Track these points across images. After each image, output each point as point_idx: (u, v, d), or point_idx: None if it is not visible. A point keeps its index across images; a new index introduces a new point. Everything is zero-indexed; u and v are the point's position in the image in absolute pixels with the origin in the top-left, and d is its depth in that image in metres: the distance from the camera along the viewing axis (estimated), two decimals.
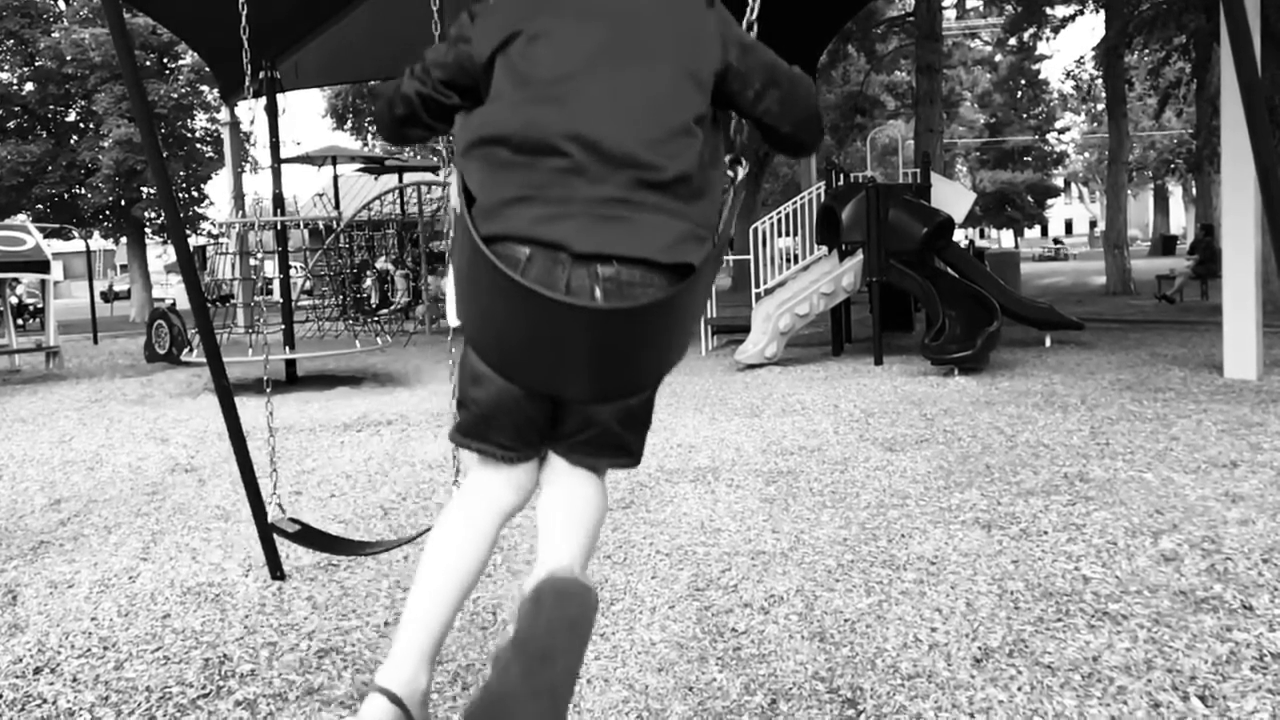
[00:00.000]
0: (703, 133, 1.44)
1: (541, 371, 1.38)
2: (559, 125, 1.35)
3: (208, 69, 19.72)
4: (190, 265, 3.96)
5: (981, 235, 58.76)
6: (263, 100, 10.22)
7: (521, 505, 1.65)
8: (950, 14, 28.59)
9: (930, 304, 10.32)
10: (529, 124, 1.34)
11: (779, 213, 12.31)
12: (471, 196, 1.40)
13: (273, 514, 3.89)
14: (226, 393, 4.01)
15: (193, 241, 25.81)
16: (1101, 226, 37.67)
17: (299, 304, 15.20)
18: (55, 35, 23.82)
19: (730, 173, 1.54)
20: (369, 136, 38.92)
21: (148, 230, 26.48)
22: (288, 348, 10.42)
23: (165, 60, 25.06)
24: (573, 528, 1.55)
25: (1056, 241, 53.01)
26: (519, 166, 1.36)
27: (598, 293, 1.31)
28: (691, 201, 1.39)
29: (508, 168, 1.36)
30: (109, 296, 36.05)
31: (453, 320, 1.50)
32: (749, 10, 1.86)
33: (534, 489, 1.61)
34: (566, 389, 1.41)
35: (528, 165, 1.35)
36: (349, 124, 38.16)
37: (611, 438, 1.51)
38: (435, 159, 28.53)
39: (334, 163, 19.99)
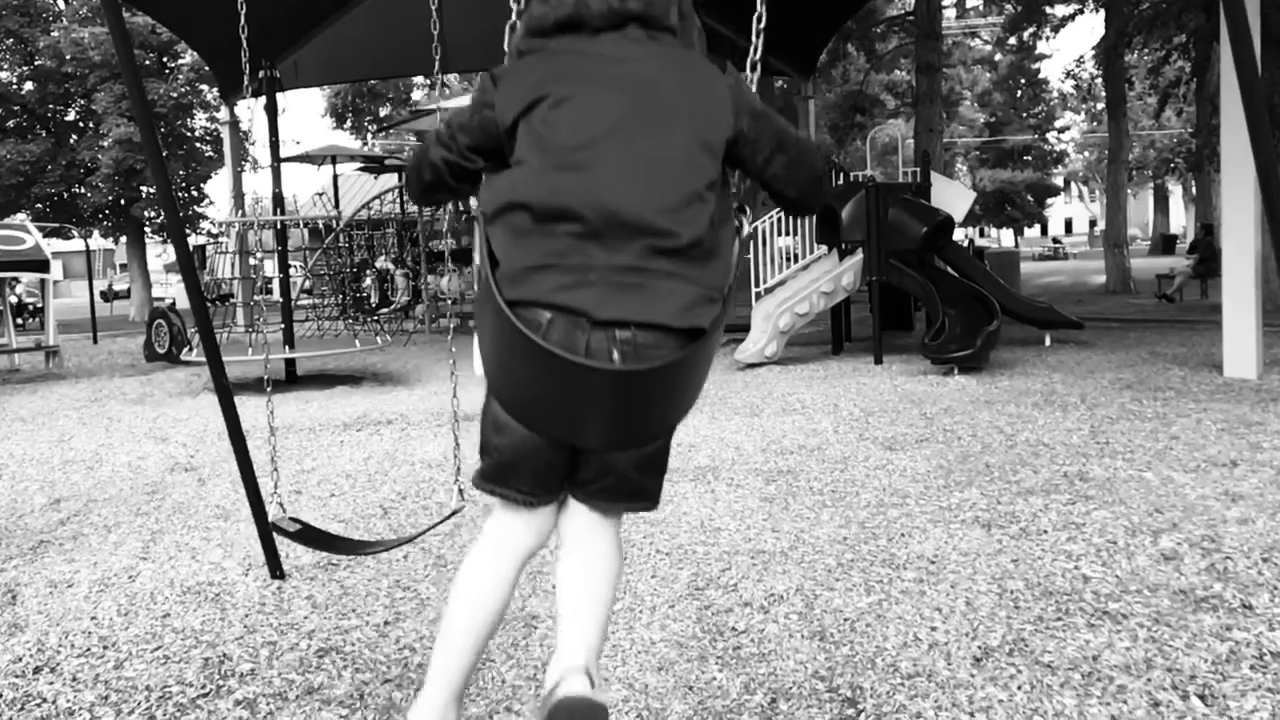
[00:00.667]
0: (714, 196, 1.51)
1: (562, 423, 1.46)
2: (579, 193, 1.41)
3: (207, 68, 19.72)
4: (190, 264, 3.96)
5: (981, 234, 58.76)
6: (262, 99, 10.21)
7: (540, 547, 1.71)
8: (950, 13, 28.58)
9: (930, 303, 10.32)
10: (551, 191, 1.41)
11: (779, 212, 12.30)
12: (495, 259, 1.47)
13: (274, 513, 3.89)
14: (226, 392, 4.01)
15: (192, 241, 25.81)
16: (1101, 226, 37.69)
17: (298, 303, 15.21)
18: (55, 34, 23.79)
19: (737, 223, 1.62)
20: (368, 135, 38.94)
21: (147, 229, 26.47)
22: (287, 347, 10.42)
23: (165, 59, 25.04)
24: (591, 610, 1.60)
25: (1055, 241, 53.00)
26: (540, 234, 1.42)
27: (615, 355, 1.39)
28: (703, 264, 1.47)
29: (529, 235, 1.42)
30: (108, 296, 36.01)
31: (478, 371, 1.53)
32: (753, 50, 1.90)
33: (552, 530, 1.68)
34: (586, 439, 1.48)
35: (548, 232, 1.42)
36: (348, 123, 38.20)
37: (629, 484, 1.57)
38: None
39: (334, 162, 19.98)
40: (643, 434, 1.52)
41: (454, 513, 3.86)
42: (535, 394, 1.43)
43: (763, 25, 1.95)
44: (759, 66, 1.93)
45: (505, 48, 1.67)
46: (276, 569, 4.13)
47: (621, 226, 1.41)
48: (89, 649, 3.47)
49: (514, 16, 1.75)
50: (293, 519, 3.92)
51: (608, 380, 1.37)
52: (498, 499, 1.60)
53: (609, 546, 1.62)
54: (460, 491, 3.83)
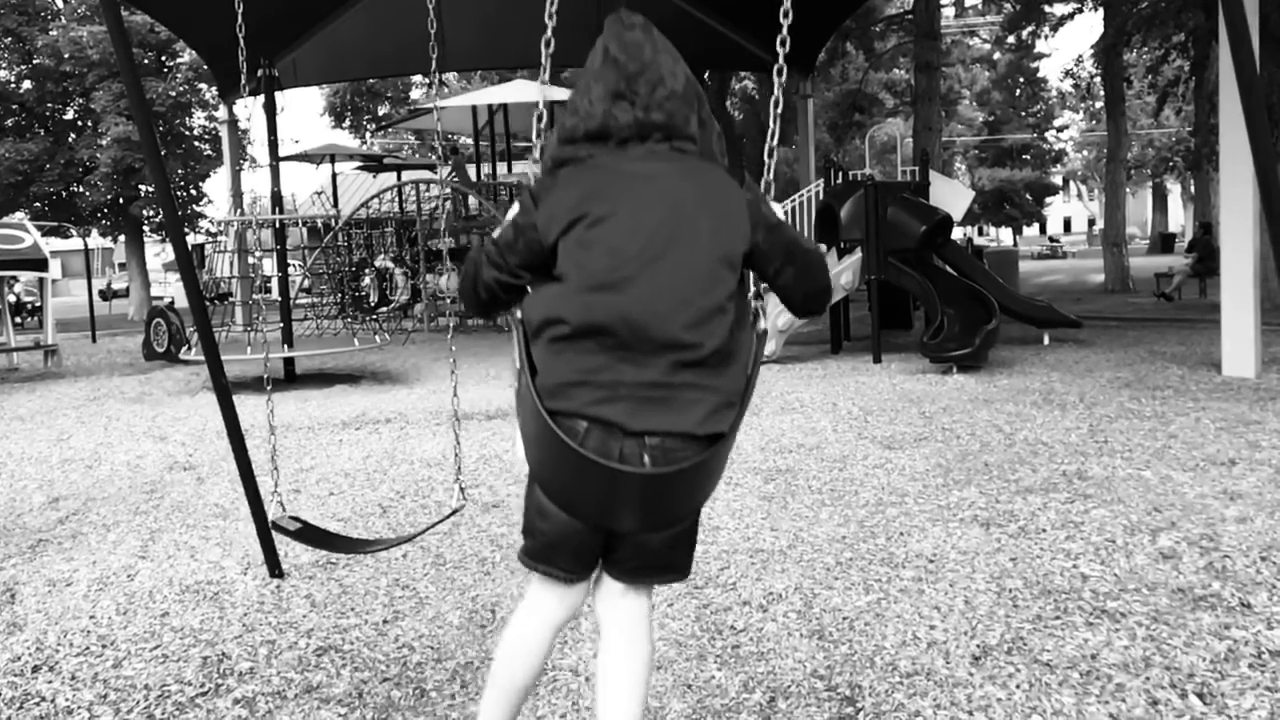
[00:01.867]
0: (733, 305, 1.66)
1: (599, 512, 1.64)
2: (612, 312, 1.56)
3: (206, 67, 19.71)
4: (188, 263, 3.96)
5: (980, 233, 58.77)
6: (261, 98, 10.20)
7: (573, 618, 1.88)
8: (949, 12, 28.58)
9: (929, 302, 10.32)
10: (587, 309, 1.56)
11: (777, 211, 12.30)
12: (534, 364, 1.63)
13: (274, 512, 3.89)
14: (225, 391, 4.01)
15: (191, 240, 25.80)
16: (1100, 224, 37.71)
17: (297, 302, 15.19)
18: (53, 33, 23.78)
19: (753, 316, 1.76)
20: (367, 134, 38.93)
21: (146, 228, 26.45)
22: (286, 346, 10.41)
23: (163, 58, 25.02)
24: (630, 699, 1.76)
25: (1052, 240, 53.00)
26: (575, 350, 1.58)
27: (646, 459, 1.56)
28: (723, 370, 1.62)
29: (565, 350, 1.58)
30: (107, 295, 35.99)
31: (519, 460, 1.73)
32: (770, 136, 2.01)
33: (585, 601, 1.84)
34: (621, 524, 1.65)
35: (583, 348, 1.58)
36: (347, 122, 38.18)
37: (661, 560, 1.72)
38: (434, 156, 28.51)
39: (332, 161, 19.98)
40: (672, 519, 1.68)
41: (454, 511, 3.86)
42: (575, 488, 1.60)
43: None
44: (784, 72, 2.06)
45: (536, 147, 1.80)
46: (275, 568, 4.13)
47: (650, 342, 1.56)
48: (88, 648, 3.47)
49: (542, 124, 1.93)
50: (293, 518, 3.92)
51: (640, 481, 1.55)
52: (539, 575, 1.75)
53: (643, 625, 1.77)
54: (461, 490, 3.83)
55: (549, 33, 2.01)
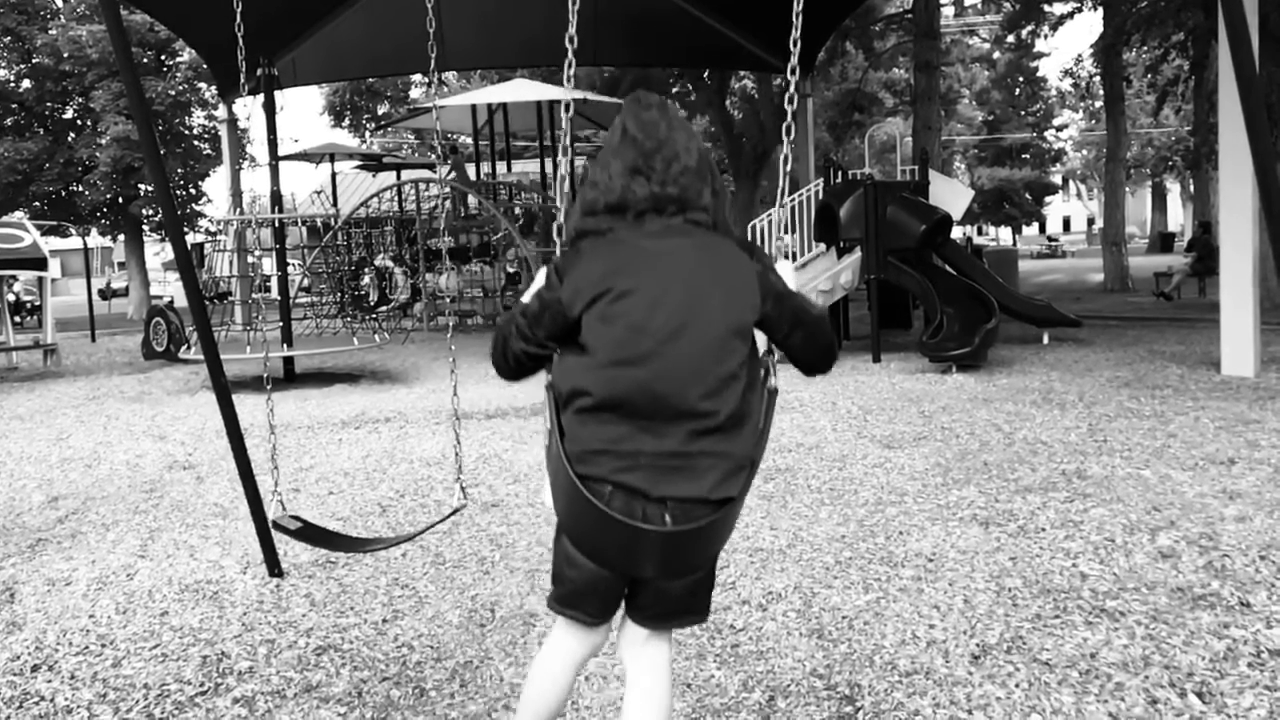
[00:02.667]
0: (744, 370, 1.78)
1: (623, 562, 1.77)
2: (634, 384, 1.70)
3: (205, 66, 19.70)
4: (188, 263, 3.96)
5: (979, 232, 58.74)
6: (260, 97, 10.19)
7: (594, 655, 2.01)
8: (948, 11, 28.56)
9: (928, 301, 10.32)
10: (610, 382, 1.70)
11: (770, 215, 12.30)
12: (563, 429, 1.77)
13: (275, 511, 3.88)
14: (224, 390, 4.01)
15: (190, 239, 25.79)
16: (1099, 224, 37.73)
17: (296, 301, 15.18)
18: (52, 32, 23.74)
19: (764, 374, 1.87)
20: (367, 134, 38.90)
21: (145, 227, 26.43)
22: (285, 345, 10.41)
23: (163, 57, 24.99)
24: None
25: (1050, 239, 52.96)
26: (599, 420, 1.71)
27: (667, 518, 1.69)
28: (735, 434, 1.75)
29: (590, 420, 1.72)
30: (107, 294, 35.93)
31: (549, 508, 1.84)
32: (785, 131, 2.16)
33: (605, 642, 1.98)
34: (643, 572, 1.79)
35: (606, 419, 1.71)
36: (347, 121, 38.15)
37: (681, 605, 1.86)
38: (433, 156, 28.50)
39: (332, 160, 19.97)
40: (690, 568, 1.82)
41: (455, 511, 3.85)
42: (601, 541, 1.73)
43: (798, 49, 2.20)
44: (796, 71, 2.21)
45: (561, 216, 1.94)
46: (275, 567, 4.13)
47: (669, 411, 1.70)
48: (87, 647, 3.47)
49: (570, 112, 2.21)
50: (294, 517, 3.92)
51: (661, 537, 1.69)
52: (565, 619, 1.88)
53: (665, 668, 1.92)
54: (462, 489, 3.82)
55: (572, 29, 2.13)
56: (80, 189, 24.85)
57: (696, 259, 1.77)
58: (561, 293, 1.74)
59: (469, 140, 24.63)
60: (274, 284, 11.93)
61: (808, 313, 1.84)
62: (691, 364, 1.71)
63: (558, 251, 1.90)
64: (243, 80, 4.19)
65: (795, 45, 2.21)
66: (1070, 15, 21.51)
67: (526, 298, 1.84)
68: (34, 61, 24.34)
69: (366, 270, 18.05)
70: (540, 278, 1.83)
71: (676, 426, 1.70)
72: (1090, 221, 63.81)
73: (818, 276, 11.21)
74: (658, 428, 1.70)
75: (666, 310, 1.71)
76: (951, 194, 12.53)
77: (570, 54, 2.14)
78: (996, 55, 42.31)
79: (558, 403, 1.78)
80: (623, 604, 1.93)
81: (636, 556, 1.74)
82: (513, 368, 1.85)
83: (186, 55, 24.42)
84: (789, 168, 2.23)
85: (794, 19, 2.20)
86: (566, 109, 2.23)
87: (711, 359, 1.72)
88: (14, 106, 24.84)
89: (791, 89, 2.21)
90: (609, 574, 1.81)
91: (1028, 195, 48.86)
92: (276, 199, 10.54)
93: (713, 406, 1.71)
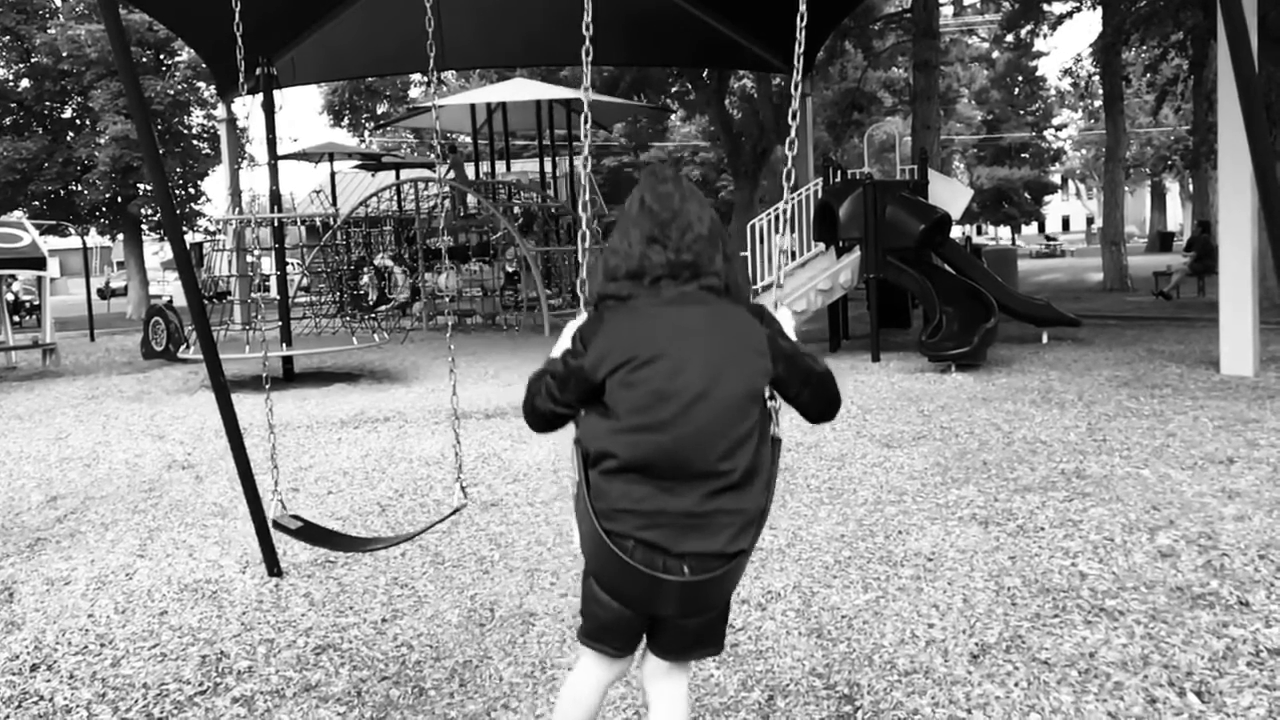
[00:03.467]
0: (757, 428, 1.92)
1: (645, 604, 1.93)
2: (656, 449, 1.84)
3: (204, 65, 19.69)
4: (187, 262, 3.96)
5: (979, 232, 58.75)
6: (259, 96, 10.19)
7: (618, 680, 2.19)
8: (947, 10, 28.56)
9: (927, 301, 10.32)
10: (634, 446, 1.85)
11: (776, 209, 12.28)
12: (589, 483, 1.92)
13: (275, 510, 3.88)
14: (223, 390, 4.01)
15: (189, 238, 25.77)
16: (1099, 223, 37.71)
17: (296, 301, 15.17)
18: (51, 31, 23.71)
19: (772, 421, 2.01)
20: (366, 133, 38.89)
21: (144, 227, 26.41)
22: (284, 344, 10.40)
23: (162, 56, 24.97)
24: None
25: (1049, 238, 52.94)
26: (624, 480, 1.86)
27: (685, 569, 1.84)
28: (748, 488, 1.89)
29: (615, 480, 1.87)
30: (106, 293, 35.90)
31: (576, 548, 1.99)
32: (790, 133, 2.36)
33: (627, 670, 2.14)
34: (663, 612, 1.95)
35: (630, 479, 1.86)
36: (346, 120, 38.13)
37: (698, 639, 2.01)
38: (432, 155, 28.49)
39: (331, 159, 19.97)
40: (706, 609, 1.97)
41: (455, 510, 3.85)
42: (625, 585, 1.89)
43: (802, 50, 2.33)
44: (803, 71, 2.36)
45: (584, 287, 2.09)
46: (274, 566, 4.13)
47: (687, 472, 1.85)
48: (86, 646, 3.47)
49: (589, 125, 2.39)
50: (294, 516, 3.92)
51: (679, 586, 1.85)
52: (592, 650, 2.04)
53: (683, 697, 2.08)
54: (463, 489, 3.82)
55: (587, 43, 2.30)
56: (79, 188, 24.82)
57: (712, 327, 1.91)
58: (586, 360, 1.89)
59: (468, 139, 24.64)
60: (273, 283, 11.92)
61: (814, 371, 1.98)
62: (710, 429, 1.85)
63: (582, 303, 2.10)
64: (242, 79, 4.19)
65: (799, 45, 2.30)
66: (1069, 14, 21.51)
67: (555, 353, 1.99)
68: (33, 60, 24.32)
69: (365, 270, 18.06)
70: (566, 338, 1.98)
71: (695, 487, 1.85)
72: (1089, 221, 63.83)
73: (817, 276, 11.21)
74: (677, 488, 1.85)
75: (686, 378, 1.85)
76: (950, 193, 12.53)
77: (586, 64, 2.31)
78: (995, 54, 42.33)
79: (585, 460, 1.92)
80: (644, 637, 2.09)
81: (657, 601, 1.90)
82: (543, 426, 2.02)
83: (185, 54, 24.40)
84: (791, 181, 2.30)
85: (799, 20, 2.29)
86: (585, 119, 2.39)
87: (728, 423, 1.87)
88: (13, 106, 24.82)
89: (795, 102, 2.32)
90: (632, 613, 1.98)
91: (1027, 195, 48.86)
92: (275, 198, 10.54)
93: (729, 466, 1.86)
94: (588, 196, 2.37)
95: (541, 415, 1.99)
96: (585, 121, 2.43)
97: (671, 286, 1.92)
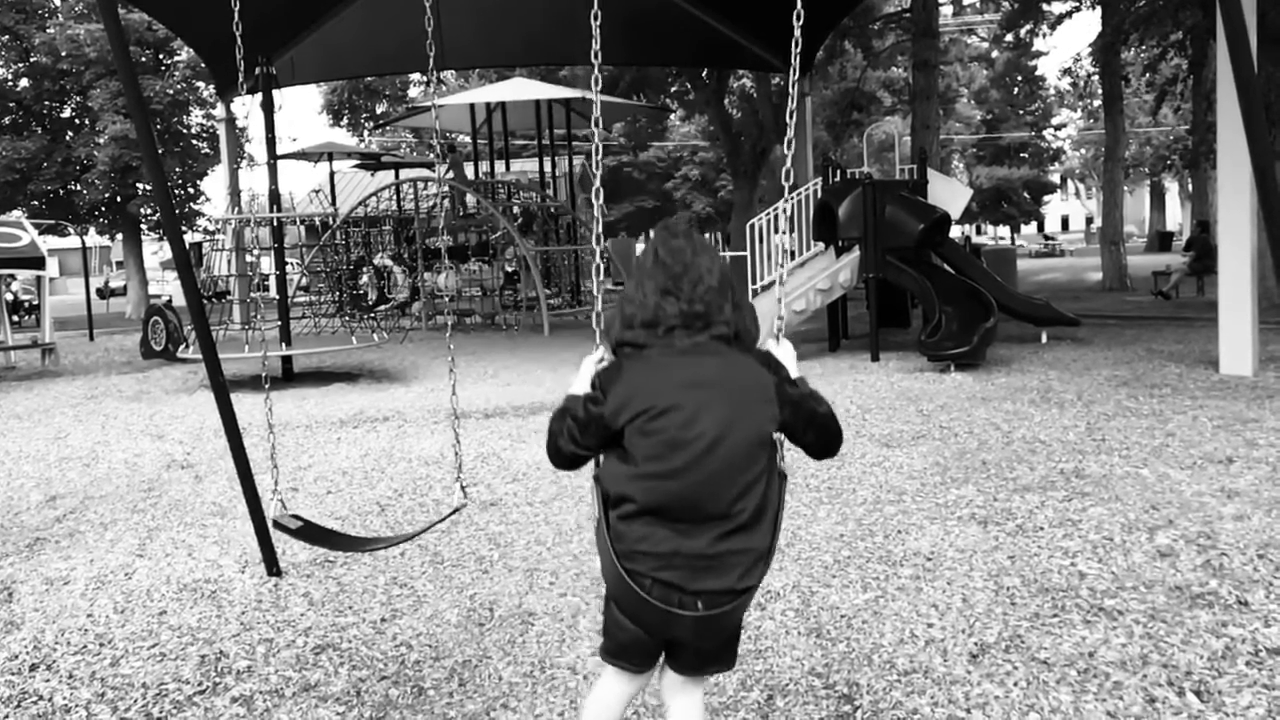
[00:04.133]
0: (765, 471, 2.05)
1: (661, 629, 2.07)
2: (671, 495, 1.98)
3: (203, 65, 19.68)
4: (186, 262, 3.96)
5: (978, 231, 58.76)
6: (259, 96, 10.18)
7: (639, 691, 2.32)
8: (947, 10, 28.56)
9: (927, 300, 10.32)
10: (650, 492, 1.98)
11: (775, 209, 12.28)
12: (609, 521, 2.07)
13: (275, 510, 3.87)
14: (223, 389, 4.01)
15: (189, 238, 25.75)
16: (1098, 223, 37.73)
17: (295, 300, 15.17)
18: (50, 31, 23.71)
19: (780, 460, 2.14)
20: (365, 132, 38.89)
21: (144, 226, 26.40)
22: (284, 344, 10.40)
23: (161, 56, 24.94)
24: None
25: (1047, 238, 52.96)
26: (642, 522, 2.00)
27: (699, 604, 1.99)
28: (756, 527, 2.03)
29: (634, 523, 2.01)
30: (105, 293, 35.92)
31: (600, 572, 2.13)
32: (788, 136, 2.39)
33: (647, 683, 2.27)
34: (679, 636, 2.09)
35: (647, 521, 2.00)
36: (345, 120, 38.14)
37: (712, 658, 2.16)
38: (431, 155, 28.48)
39: (330, 159, 19.96)
40: (719, 635, 2.12)
41: (456, 510, 3.84)
42: (643, 614, 2.04)
43: (799, 47, 2.41)
44: (800, 69, 2.45)
45: (603, 334, 2.22)
46: (273, 566, 4.13)
47: (700, 515, 1.98)
48: (85, 646, 3.47)
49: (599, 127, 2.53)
50: (294, 516, 3.91)
51: (693, 619, 2.00)
52: (614, 667, 2.18)
53: (698, 707, 2.24)
54: (463, 489, 3.81)
55: (596, 43, 2.41)
56: (78, 188, 24.80)
57: (724, 379, 2.05)
58: (606, 408, 2.03)
59: (467, 139, 24.63)
60: (272, 283, 11.91)
61: (818, 413, 2.12)
62: (722, 476, 1.99)
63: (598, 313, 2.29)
64: (241, 79, 4.18)
65: (796, 45, 2.35)
66: (1069, 14, 21.51)
67: (574, 389, 2.14)
68: (32, 60, 24.29)
69: (365, 269, 18.06)
70: (585, 374, 2.14)
71: (708, 529, 1.99)
72: (1089, 220, 63.83)
73: (816, 275, 11.21)
74: (691, 530, 1.99)
75: (699, 428, 1.98)
76: (950, 193, 12.52)
77: (595, 64, 2.42)
78: (995, 54, 42.37)
79: (605, 499, 2.08)
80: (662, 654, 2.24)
81: (673, 629, 2.05)
82: (566, 463, 2.14)
83: (185, 54, 24.38)
84: (790, 180, 2.35)
85: (795, 20, 2.36)
86: (596, 124, 2.51)
87: (739, 469, 2.00)
88: (12, 105, 24.80)
89: (793, 102, 2.40)
90: (648, 635, 2.13)
91: (1026, 194, 48.88)
92: (275, 198, 10.53)
93: (740, 508, 2.00)
94: (599, 200, 2.43)
95: (565, 456, 2.12)
96: (595, 125, 2.51)
97: (685, 337, 2.06)
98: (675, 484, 1.98)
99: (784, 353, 2.21)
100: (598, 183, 2.41)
